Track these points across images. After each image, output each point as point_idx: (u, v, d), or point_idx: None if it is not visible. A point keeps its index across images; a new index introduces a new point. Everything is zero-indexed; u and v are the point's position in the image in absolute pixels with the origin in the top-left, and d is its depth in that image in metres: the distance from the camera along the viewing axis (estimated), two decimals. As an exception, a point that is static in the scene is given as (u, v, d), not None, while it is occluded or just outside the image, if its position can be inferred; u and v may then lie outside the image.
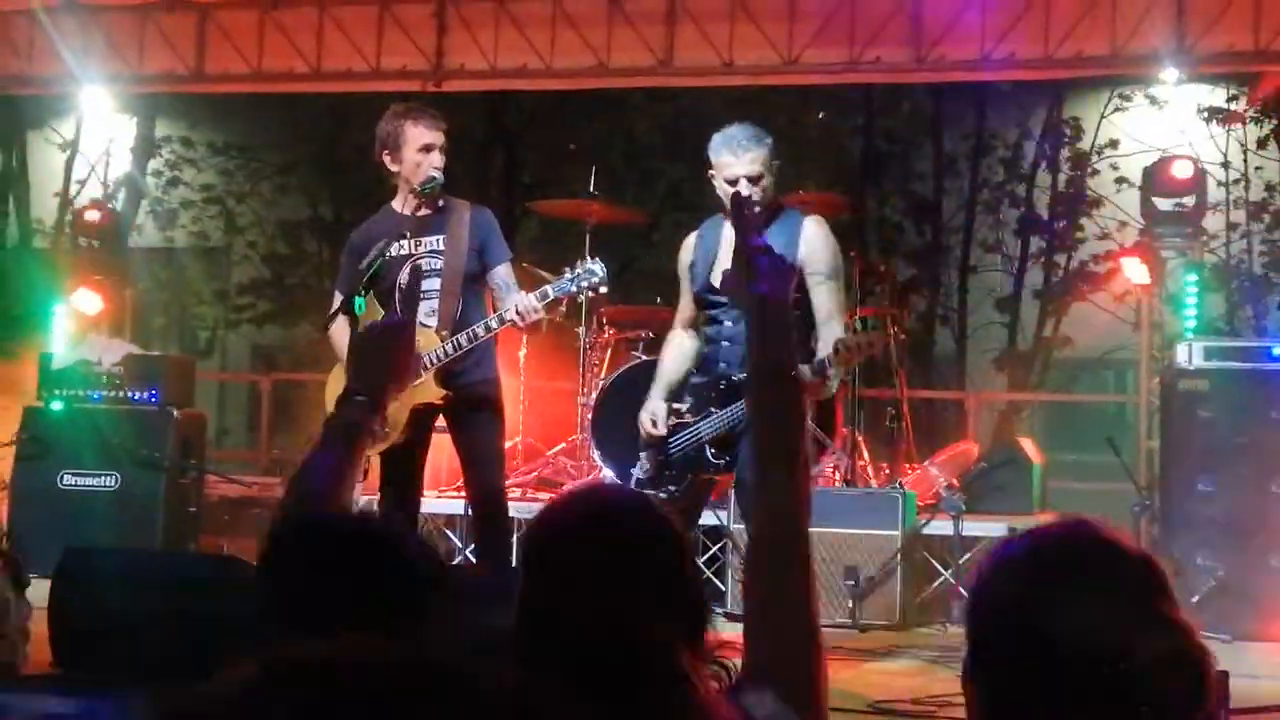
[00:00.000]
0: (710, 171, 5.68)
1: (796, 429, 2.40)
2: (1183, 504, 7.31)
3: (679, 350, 5.94)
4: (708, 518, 7.67)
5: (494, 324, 5.87)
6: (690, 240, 5.96)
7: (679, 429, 5.76)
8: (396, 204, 6.14)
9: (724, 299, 5.62)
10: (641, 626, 1.94)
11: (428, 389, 5.92)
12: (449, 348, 5.88)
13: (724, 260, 5.60)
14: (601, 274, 5.90)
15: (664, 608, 2.00)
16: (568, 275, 5.90)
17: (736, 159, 5.59)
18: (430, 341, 5.93)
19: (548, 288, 5.88)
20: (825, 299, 5.59)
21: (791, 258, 5.30)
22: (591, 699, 1.85)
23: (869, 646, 6.67)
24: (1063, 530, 1.89)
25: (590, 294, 6.17)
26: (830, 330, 5.50)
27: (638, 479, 5.84)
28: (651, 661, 1.92)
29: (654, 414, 5.79)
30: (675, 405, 5.79)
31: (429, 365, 5.89)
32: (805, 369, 5.17)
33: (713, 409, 5.65)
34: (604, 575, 2.01)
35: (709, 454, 5.69)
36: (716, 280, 5.61)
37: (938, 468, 8.60)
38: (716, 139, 5.68)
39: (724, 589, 7.53)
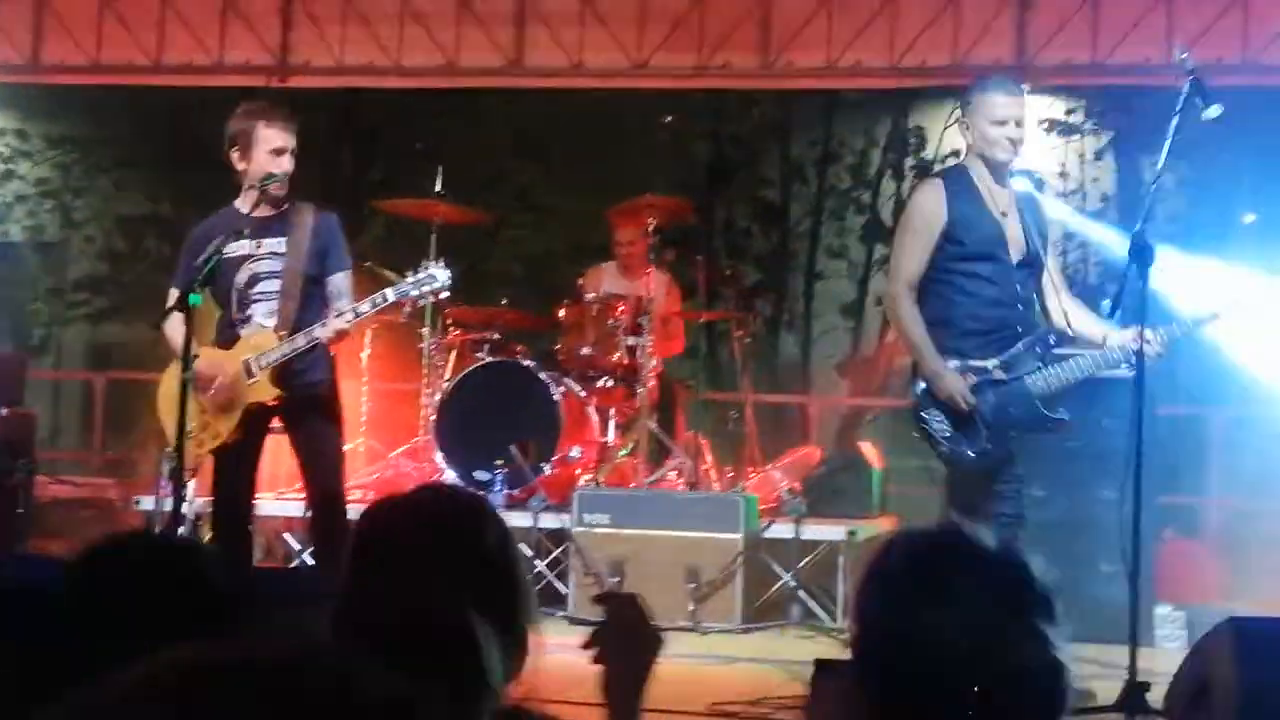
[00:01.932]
0: (958, 117, 5.68)
1: None
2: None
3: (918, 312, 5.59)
4: (550, 521, 7.66)
5: (330, 326, 5.82)
6: (935, 192, 5.62)
7: (987, 386, 5.54)
8: (240, 203, 6.06)
9: (1005, 253, 5.55)
10: (449, 619, 1.93)
11: (261, 388, 5.87)
12: (285, 348, 5.83)
13: (997, 211, 5.56)
14: (443, 279, 5.88)
15: (480, 605, 1.98)
16: (409, 278, 5.88)
17: (1012, 99, 5.54)
18: (265, 341, 5.88)
19: (387, 291, 5.86)
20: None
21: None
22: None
23: (709, 649, 6.70)
24: (937, 537, 1.91)
25: (431, 298, 6.12)
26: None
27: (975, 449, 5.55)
28: (455, 656, 1.91)
29: (959, 389, 5.48)
30: (971, 364, 5.53)
31: (260, 367, 5.85)
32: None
33: (1040, 365, 5.54)
34: (421, 567, 2.01)
35: (1042, 410, 5.56)
36: (1010, 234, 5.55)
37: (780, 471, 8.66)
38: (985, 81, 5.64)
39: (565, 592, 7.51)
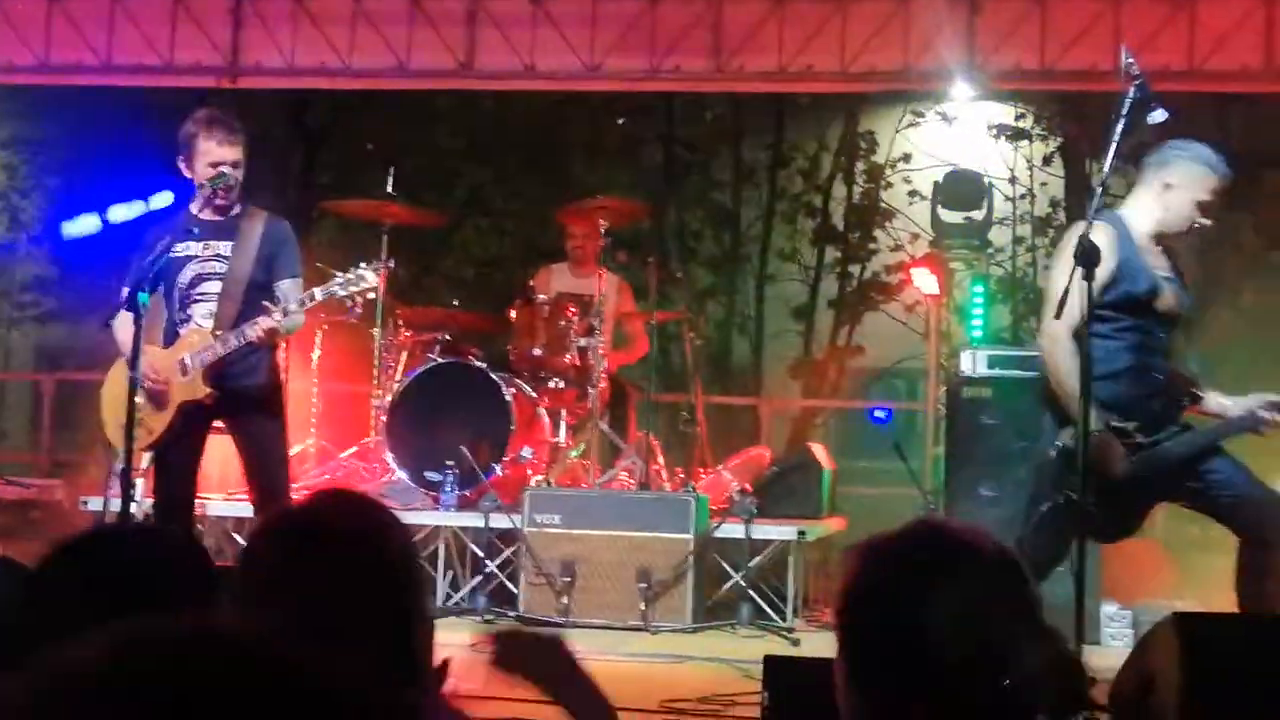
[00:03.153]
0: (1165, 177, 5.30)
1: None
2: (966, 508, 7.51)
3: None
4: (501, 521, 7.67)
5: (264, 326, 5.82)
6: (1107, 233, 5.21)
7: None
8: (193, 205, 6.08)
9: (1161, 309, 5.35)
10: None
11: (193, 386, 5.89)
12: (218, 347, 5.86)
13: (1146, 272, 5.32)
14: (372, 279, 5.94)
15: (367, 620, 1.98)
16: (338, 278, 5.92)
17: (1224, 184, 5.32)
18: (201, 339, 5.93)
19: (315, 290, 5.91)
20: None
21: None
22: None
23: (660, 648, 6.73)
24: (929, 533, 1.93)
25: (360, 298, 6.13)
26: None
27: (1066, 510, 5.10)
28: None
29: (1115, 447, 5.18)
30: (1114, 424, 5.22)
31: (194, 364, 5.88)
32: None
33: (1174, 427, 5.35)
34: (300, 581, 1.99)
35: (1180, 476, 5.33)
36: (1168, 298, 5.37)
37: (731, 472, 8.70)
38: (1202, 150, 5.34)
39: (516, 592, 7.52)
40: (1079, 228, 5.23)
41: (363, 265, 6.06)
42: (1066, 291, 4.97)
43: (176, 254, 5.89)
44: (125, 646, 0.94)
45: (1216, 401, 5.47)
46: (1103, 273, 5.06)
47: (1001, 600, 1.82)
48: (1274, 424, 5.30)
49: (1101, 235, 5.08)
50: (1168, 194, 5.29)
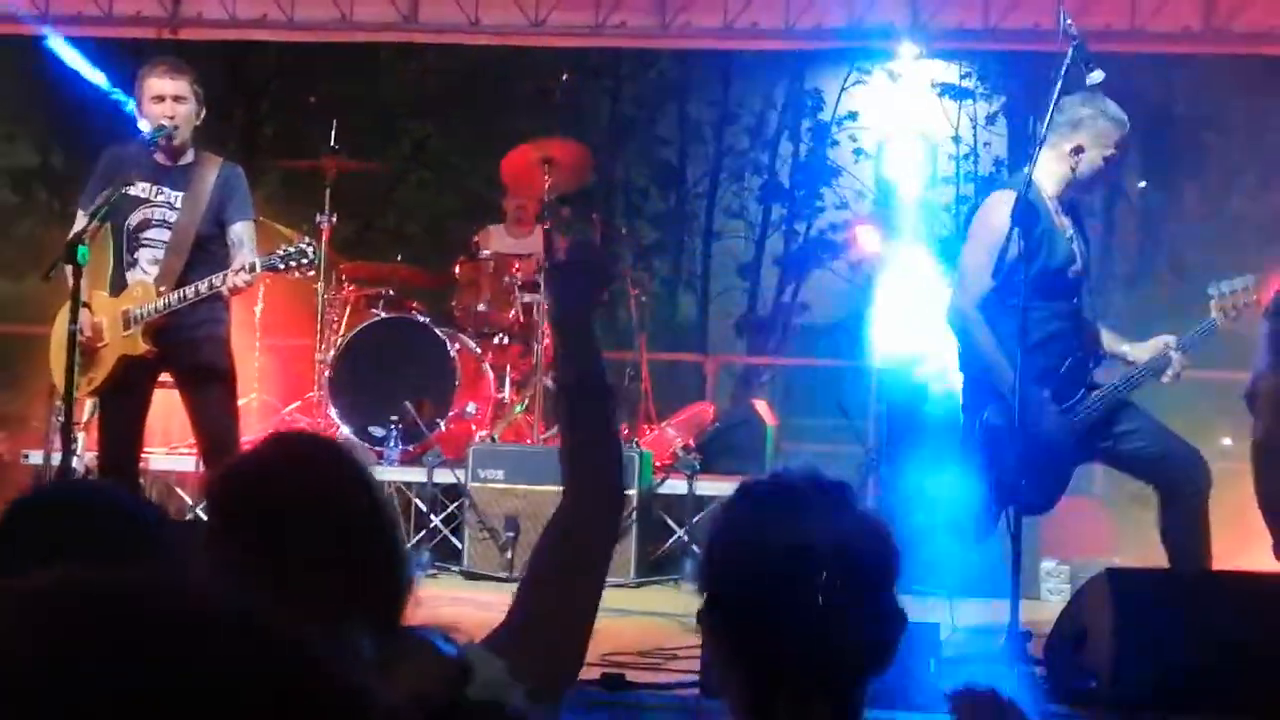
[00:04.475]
0: (1077, 139, 5.30)
1: (613, 437, 2.41)
2: (906, 464, 7.57)
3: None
4: (445, 476, 7.68)
5: (204, 288, 5.84)
6: (1008, 204, 5.14)
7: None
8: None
9: (1071, 276, 5.36)
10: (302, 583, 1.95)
11: (133, 341, 5.88)
12: (160, 304, 5.85)
13: (1061, 236, 5.34)
14: (311, 256, 5.97)
15: (346, 559, 2.01)
16: (279, 251, 5.94)
17: (1125, 132, 5.37)
18: (146, 294, 5.90)
19: (256, 260, 5.90)
20: None
21: None
22: None
23: (603, 603, 6.75)
24: (773, 477, 1.99)
25: (298, 273, 6.13)
26: None
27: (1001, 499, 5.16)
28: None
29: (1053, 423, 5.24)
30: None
31: (136, 319, 5.86)
32: None
33: (1086, 391, 5.36)
34: (281, 524, 2.01)
35: (1093, 438, 5.38)
36: (1079, 260, 5.38)
37: (674, 428, 8.73)
38: (1108, 106, 5.33)
39: (460, 547, 7.54)
40: (994, 199, 5.28)
41: (303, 241, 6.07)
42: (1002, 259, 5.00)
43: (128, 192, 5.90)
44: (48, 594, 0.96)
45: (1122, 350, 5.54)
46: (1017, 248, 5.06)
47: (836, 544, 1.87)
48: (1179, 369, 5.35)
49: (1011, 202, 5.09)
50: (1078, 155, 5.32)
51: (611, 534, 2.38)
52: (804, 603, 1.83)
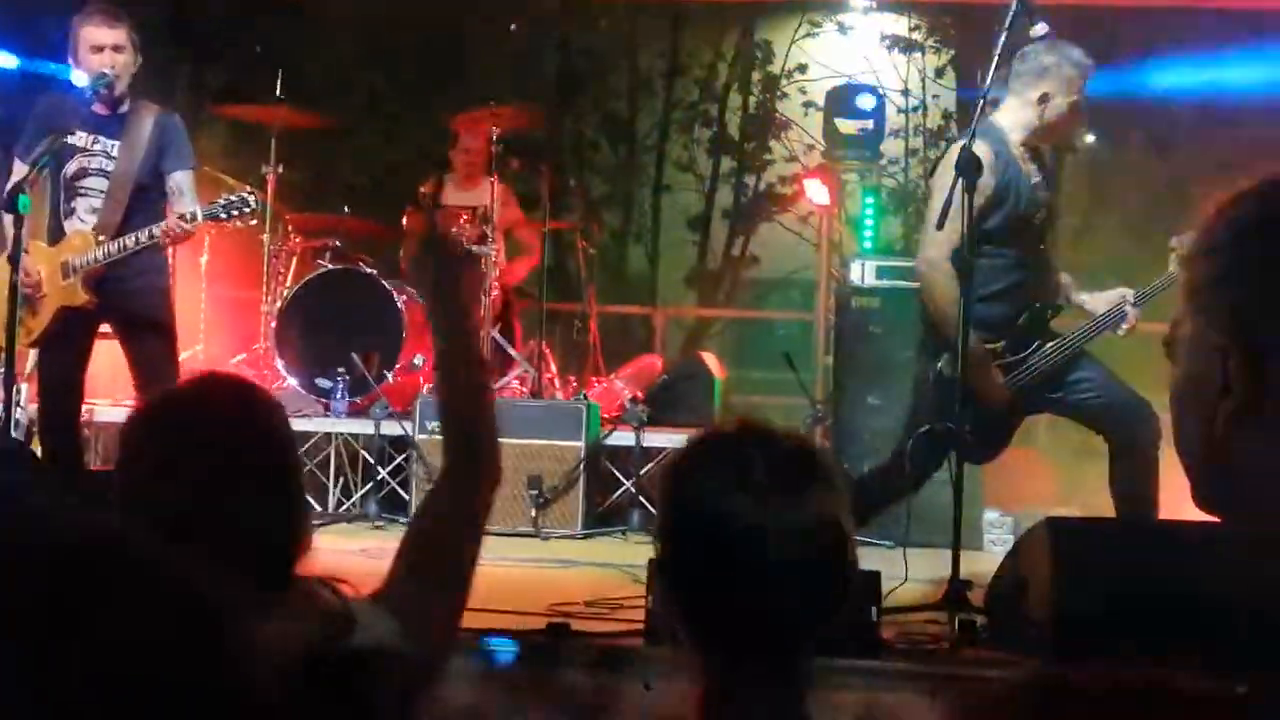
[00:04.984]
0: (1043, 87, 5.34)
1: (487, 404, 2.55)
2: (853, 417, 7.62)
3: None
4: (392, 428, 7.67)
5: (144, 238, 5.82)
6: (986, 151, 5.17)
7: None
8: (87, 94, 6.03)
9: (1037, 222, 5.40)
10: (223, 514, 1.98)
11: (71, 291, 5.86)
12: (99, 254, 5.82)
13: (1027, 183, 5.38)
14: (254, 205, 5.95)
15: (259, 497, 2.04)
16: (221, 200, 5.91)
17: (1088, 76, 5.37)
18: (85, 244, 5.88)
19: (197, 209, 5.88)
20: None
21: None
22: None
23: (551, 555, 6.79)
24: (726, 429, 2.01)
25: (239, 222, 6.10)
26: None
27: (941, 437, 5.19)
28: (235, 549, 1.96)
29: (992, 374, 5.31)
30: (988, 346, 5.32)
31: (75, 269, 5.84)
32: None
33: (1037, 340, 5.41)
34: (175, 460, 2.03)
35: (1045, 388, 5.43)
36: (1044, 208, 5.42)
37: (622, 381, 8.76)
38: (1072, 52, 5.37)
39: (408, 498, 7.55)
40: (953, 151, 5.31)
41: (245, 191, 6.05)
42: (946, 211, 5.02)
43: (66, 143, 5.88)
44: None
45: (1080, 299, 5.60)
46: (984, 194, 5.09)
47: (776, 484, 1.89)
48: (1133, 323, 5.42)
49: (982, 150, 5.11)
50: (1045, 103, 5.37)
51: (482, 496, 2.42)
52: (758, 575, 1.85)
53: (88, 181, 5.99)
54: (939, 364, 5.34)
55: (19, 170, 5.84)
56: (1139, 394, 5.42)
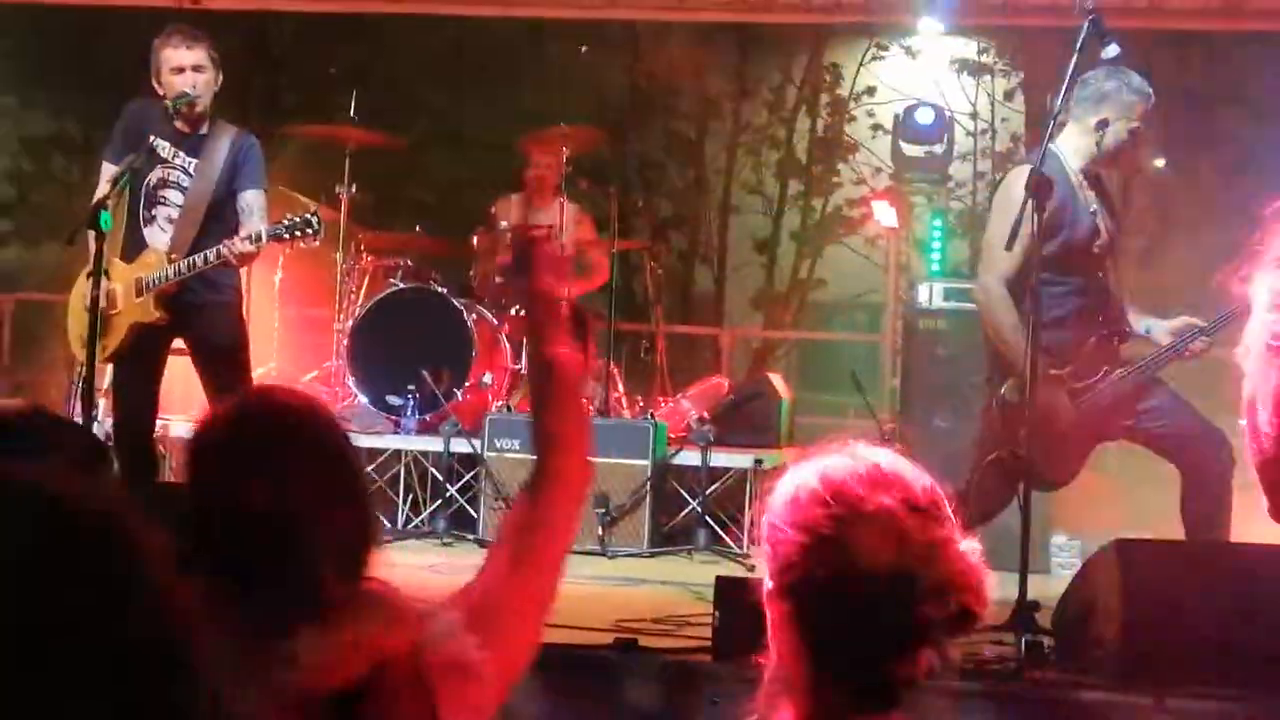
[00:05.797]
0: (1102, 113, 5.35)
1: (577, 415, 2.41)
2: (921, 438, 7.60)
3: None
4: (461, 446, 7.73)
5: (211, 257, 5.90)
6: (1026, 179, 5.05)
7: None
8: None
9: (1096, 250, 5.39)
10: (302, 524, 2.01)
11: (144, 308, 5.95)
12: (170, 271, 5.92)
13: (1085, 210, 5.41)
14: (316, 226, 5.99)
15: (322, 510, 2.06)
16: (285, 221, 5.98)
17: (1149, 104, 5.39)
18: (158, 262, 5.98)
19: (262, 229, 5.95)
20: None
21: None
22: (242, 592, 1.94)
23: (617, 572, 6.82)
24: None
25: (304, 243, 6.15)
26: None
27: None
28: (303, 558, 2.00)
29: (1060, 399, 5.31)
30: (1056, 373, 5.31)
31: (148, 286, 5.93)
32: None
33: (1105, 367, 5.41)
34: (258, 473, 2.06)
35: (1116, 415, 5.44)
36: (1104, 236, 5.42)
37: (689, 401, 8.78)
38: (1132, 79, 5.38)
39: (476, 516, 7.60)
40: (1014, 174, 5.30)
41: (311, 214, 6.09)
42: (1015, 232, 5.01)
43: (149, 154, 6.02)
44: None
45: (1148, 328, 5.57)
46: (1032, 224, 5.01)
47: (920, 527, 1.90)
48: (1199, 350, 5.40)
49: (1017, 182, 5.09)
50: (1103, 129, 5.35)
51: (571, 515, 2.37)
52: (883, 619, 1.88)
53: (167, 192, 6.11)
54: (1003, 389, 5.33)
55: (106, 172, 5.99)
56: (1210, 420, 5.40)
